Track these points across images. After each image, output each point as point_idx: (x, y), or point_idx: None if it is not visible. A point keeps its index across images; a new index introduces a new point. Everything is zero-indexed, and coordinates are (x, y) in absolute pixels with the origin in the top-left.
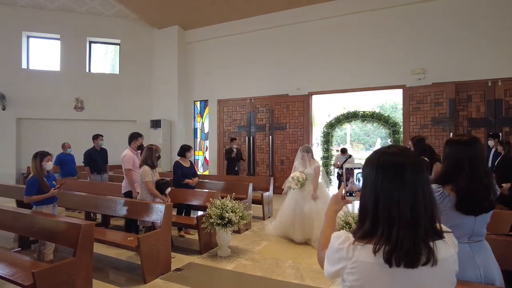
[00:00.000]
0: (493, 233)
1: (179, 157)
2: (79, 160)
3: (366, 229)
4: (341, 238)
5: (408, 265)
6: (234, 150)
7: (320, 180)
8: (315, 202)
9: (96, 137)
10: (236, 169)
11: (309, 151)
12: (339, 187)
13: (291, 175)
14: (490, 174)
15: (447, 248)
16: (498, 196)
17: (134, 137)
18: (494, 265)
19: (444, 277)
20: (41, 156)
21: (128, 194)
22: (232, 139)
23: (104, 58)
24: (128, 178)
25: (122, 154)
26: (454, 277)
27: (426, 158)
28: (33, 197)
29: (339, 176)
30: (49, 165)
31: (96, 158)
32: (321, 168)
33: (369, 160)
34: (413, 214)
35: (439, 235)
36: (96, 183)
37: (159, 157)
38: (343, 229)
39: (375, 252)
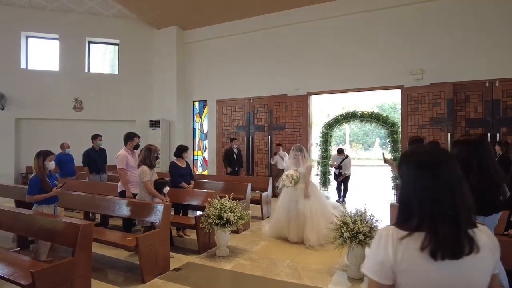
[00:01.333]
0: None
1: (176, 158)
2: (78, 160)
3: (411, 225)
4: (383, 237)
5: (452, 257)
6: (235, 150)
7: (311, 179)
8: (309, 200)
9: (95, 137)
10: (237, 169)
11: (301, 150)
12: (337, 187)
13: (285, 173)
14: (500, 173)
15: (482, 236)
16: (508, 196)
17: (130, 137)
18: (500, 267)
19: (484, 263)
20: (44, 155)
21: (123, 194)
22: (232, 139)
23: (103, 58)
24: (121, 178)
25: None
26: (492, 264)
27: None
28: (36, 196)
29: (336, 176)
30: (51, 164)
31: (95, 158)
32: (315, 168)
33: (406, 159)
34: (454, 209)
35: (474, 225)
36: (95, 183)
37: (157, 157)
38: (340, 229)
39: (422, 248)
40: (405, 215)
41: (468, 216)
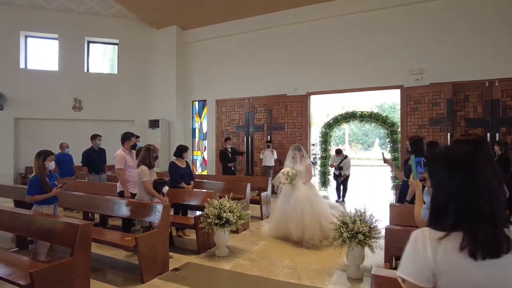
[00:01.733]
0: None
1: (175, 158)
2: (77, 160)
3: (448, 226)
4: (419, 239)
5: (492, 256)
6: (229, 150)
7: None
8: (306, 196)
9: (94, 137)
10: (232, 169)
11: (300, 149)
12: (336, 187)
13: (281, 171)
14: (499, 174)
15: None
16: (507, 197)
17: (127, 137)
18: None
19: None
20: (44, 155)
21: (122, 194)
22: (227, 139)
23: (102, 58)
24: (119, 178)
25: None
26: None
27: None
28: (35, 196)
29: (336, 177)
30: (51, 164)
31: (94, 158)
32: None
33: (439, 158)
34: (491, 208)
35: (510, 221)
36: (94, 183)
37: (156, 157)
38: (340, 229)
39: (461, 249)
40: (439, 216)
41: (503, 214)
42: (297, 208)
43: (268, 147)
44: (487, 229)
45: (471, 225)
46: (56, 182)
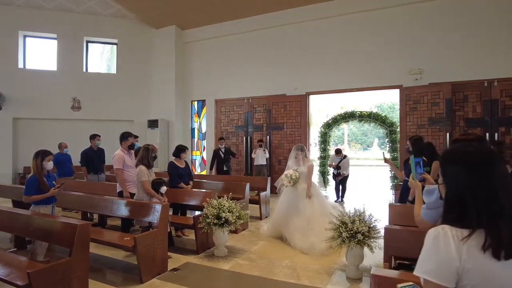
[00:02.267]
0: None
1: (174, 158)
2: (76, 160)
3: (470, 224)
4: (441, 237)
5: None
6: (222, 149)
7: (313, 179)
8: (310, 201)
9: (93, 137)
10: (225, 169)
11: (303, 150)
12: (336, 187)
13: (284, 172)
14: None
15: None
16: None
17: (125, 137)
18: None
19: None
20: (42, 155)
21: (122, 194)
22: (220, 139)
23: (101, 58)
24: (118, 178)
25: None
26: None
27: (425, 158)
28: (33, 196)
29: (335, 176)
30: (49, 164)
31: (93, 158)
32: (314, 168)
33: (454, 156)
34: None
35: None
36: (93, 183)
37: (155, 157)
38: (339, 229)
39: (484, 249)
40: (458, 214)
41: None
42: (300, 220)
43: (260, 146)
44: (510, 228)
45: (493, 223)
46: (54, 182)
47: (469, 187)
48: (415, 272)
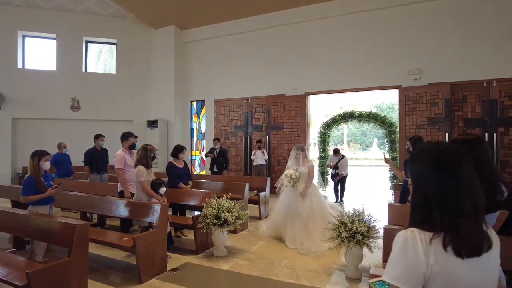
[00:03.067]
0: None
1: (172, 158)
2: (75, 160)
3: (436, 226)
4: (409, 241)
5: (475, 254)
6: (217, 150)
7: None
8: (309, 201)
9: (97, 137)
10: (215, 170)
11: (303, 150)
12: (334, 188)
13: (285, 172)
14: (496, 173)
15: (492, 232)
16: (506, 196)
17: (126, 137)
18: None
19: (497, 256)
20: (39, 155)
21: (123, 194)
22: (215, 139)
23: (100, 58)
24: (119, 178)
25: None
26: (499, 257)
27: None
28: (30, 197)
29: (333, 177)
30: (46, 165)
31: (96, 158)
32: (315, 168)
33: (423, 157)
34: (474, 206)
35: (486, 221)
36: (93, 183)
37: (154, 157)
38: (338, 229)
39: (445, 246)
40: (424, 215)
41: (483, 213)
42: (299, 221)
43: (259, 148)
44: (469, 226)
45: (455, 223)
46: (51, 182)
47: (434, 188)
48: (383, 277)
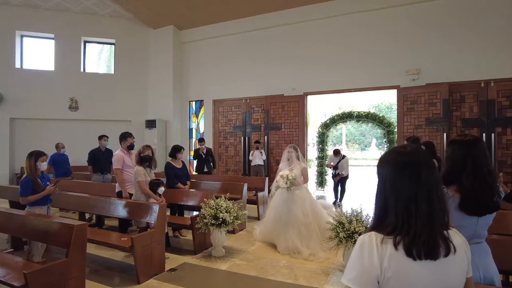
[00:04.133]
0: (496, 233)
1: (171, 158)
2: (73, 161)
3: (389, 228)
4: (366, 245)
5: (429, 257)
6: (204, 151)
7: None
8: (304, 206)
9: (100, 137)
10: (205, 170)
11: (296, 150)
12: (334, 188)
13: (280, 173)
14: (494, 174)
15: (456, 237)
16: (503, 197)
17: (124, 137)
18: (493, 267)
19: (461, 264)
20: (36, 155)
21: (121, 194)
22: (201, 140)
23: (98, 58)
24: (117, 178)
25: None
26: (467, 265)
27: None
28: (29, 197)
29: (333, 176)
30: (43, 165)
31: (100, 158)
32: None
33: (386, 159)
34: (429, 208)
35: (448, 227)
36: (91, 183)
37: (145, 158)
38: (336, 229)
39: (395, 245)
40: (382, 217)
41: (442, 217)
42: (293, 225)
43: (257, 148)
44: (421, 226)
45: (407, 223)
46: (48, 183)
47: (393, 189)
48: (341, 279)
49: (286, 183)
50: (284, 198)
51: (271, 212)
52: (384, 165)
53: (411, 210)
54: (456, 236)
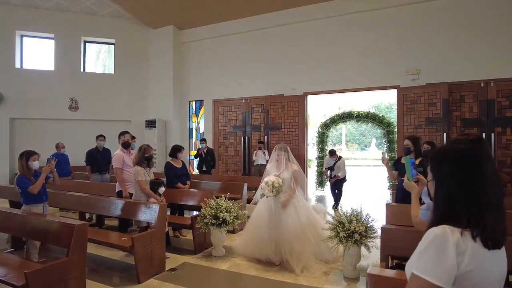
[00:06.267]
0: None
1: (171, 158)
2: (73, 160)
3: (464, 221)
4: (445, 240)
5: (499, 246)
6: (204, 151)
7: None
8: (296, 214)
9: (97, 137)
10: (204, 168)
11: (286, 150)
12: (331, 191)
13: (264, 179)
14: (498, 174)
15: None
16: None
17: (121, 134)
18: None
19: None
20: (27, 155)
21: (121, 194)
22: (202, 139)
23: (98, 58)
24: (117, 177)
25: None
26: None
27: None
28: (35, 185)
29: (329, 179)
30: (35, 164)
31: (98, 158)
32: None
33: (447, 155)
34: (497, 200)
35: None
36: (91, 183)
37: (150, 157)
38: (336, 229)
39: (474, 238)
40: (451, 212)
41: (504, 206)
42: (287, 237)
43: (260, 148)
44: (494, 219)
45: (482, 215)
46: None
47: (461, 184)
48: (413, 271)
49: (272, 191)
50: (271, 209)
51: (256, 223)
52: (447, 161)
53: (483, 204)
54: None
